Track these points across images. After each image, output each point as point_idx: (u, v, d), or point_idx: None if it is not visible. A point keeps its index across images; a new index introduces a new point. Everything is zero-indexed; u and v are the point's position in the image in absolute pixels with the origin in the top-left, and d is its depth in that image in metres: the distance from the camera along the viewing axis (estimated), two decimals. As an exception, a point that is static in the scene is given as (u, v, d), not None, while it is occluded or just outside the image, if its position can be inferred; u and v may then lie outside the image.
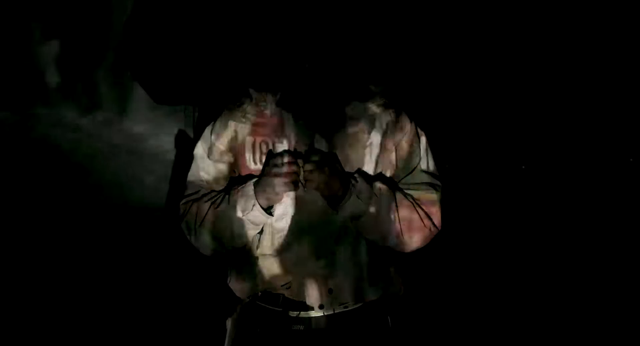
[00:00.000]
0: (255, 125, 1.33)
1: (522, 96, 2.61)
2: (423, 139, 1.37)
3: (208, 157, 1.36)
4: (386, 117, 1.34)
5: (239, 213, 1.25)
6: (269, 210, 1.26)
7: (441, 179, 1.36)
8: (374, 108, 1.35)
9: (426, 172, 1.34)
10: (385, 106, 1.36)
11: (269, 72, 1.39)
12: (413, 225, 1.29)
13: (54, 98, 2.81)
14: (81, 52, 2.76)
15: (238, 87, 1.40)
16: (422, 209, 1.30)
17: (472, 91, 2.56)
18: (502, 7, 2.50)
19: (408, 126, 1.36)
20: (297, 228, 1.29)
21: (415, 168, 1.33)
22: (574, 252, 2.69)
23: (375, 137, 1.32)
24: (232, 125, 1.35)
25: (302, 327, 1.30)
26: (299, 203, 1.28)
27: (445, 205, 1.35)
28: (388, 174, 1.34)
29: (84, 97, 2.83)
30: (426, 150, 1.36)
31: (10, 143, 2.81)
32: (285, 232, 1.29)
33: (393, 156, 1.33)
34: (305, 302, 1.30)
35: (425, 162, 1.35)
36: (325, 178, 1.21)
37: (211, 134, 1.37)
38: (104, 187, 2.86)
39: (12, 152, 2.82)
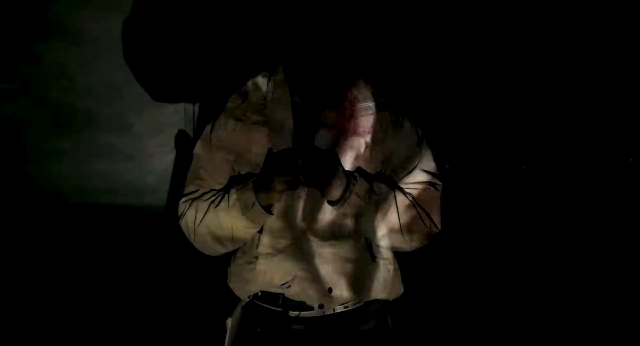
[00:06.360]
0: (256, 123, 1.33)
1: (522, 96, 2.61)
2: (423, 138, 1.36)
3: (208, 155, 1.36)
4: (386, 116, 1.34)
5: (239, 212, 1.25)
6: (268, 209, 1.26)
7: (441, 179, 1.36)
8: (373, 107, 1.35)
9: (426, 171, 1.34)
10: (385, 105, 1.35)
11: (268, 71, 1.39)
12: (413, 224, 1.28)
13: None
14: (80, 53, 2.76)
15: (238, 87, 1.40)
16: (422, 209, 1.29)
17: (471, 91, 2.56)
18: (502, 6, 2.50)
19: (408, 125, 1.35)
20: (297, 227, 1.28)
21: (415, 167, 1.33)
22: (574, 252, 2.69)
23: (375, 136, 1.32)
24: (232, 123, 1.35)
25: (302, 327, 1.30)
26: (298, 202, 1.28)
27: (445, 205, 1.35)
28: (388, 173, 1.34)
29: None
30: (426, 149, 1.36)
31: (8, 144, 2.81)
32: (284, 231, 1.29)
33: (393, 155, 1.33)
34: (305, 302, 1.30)
35: (425, 161, 1.35)
36: (325, 177, 1.21)
37: (211, 133, 1.36)
38: (103, 187, 2.86)
39: (10, 152, 2.83)
